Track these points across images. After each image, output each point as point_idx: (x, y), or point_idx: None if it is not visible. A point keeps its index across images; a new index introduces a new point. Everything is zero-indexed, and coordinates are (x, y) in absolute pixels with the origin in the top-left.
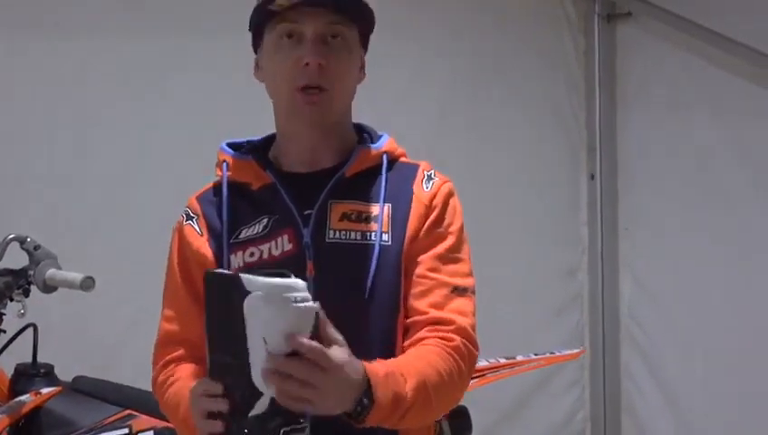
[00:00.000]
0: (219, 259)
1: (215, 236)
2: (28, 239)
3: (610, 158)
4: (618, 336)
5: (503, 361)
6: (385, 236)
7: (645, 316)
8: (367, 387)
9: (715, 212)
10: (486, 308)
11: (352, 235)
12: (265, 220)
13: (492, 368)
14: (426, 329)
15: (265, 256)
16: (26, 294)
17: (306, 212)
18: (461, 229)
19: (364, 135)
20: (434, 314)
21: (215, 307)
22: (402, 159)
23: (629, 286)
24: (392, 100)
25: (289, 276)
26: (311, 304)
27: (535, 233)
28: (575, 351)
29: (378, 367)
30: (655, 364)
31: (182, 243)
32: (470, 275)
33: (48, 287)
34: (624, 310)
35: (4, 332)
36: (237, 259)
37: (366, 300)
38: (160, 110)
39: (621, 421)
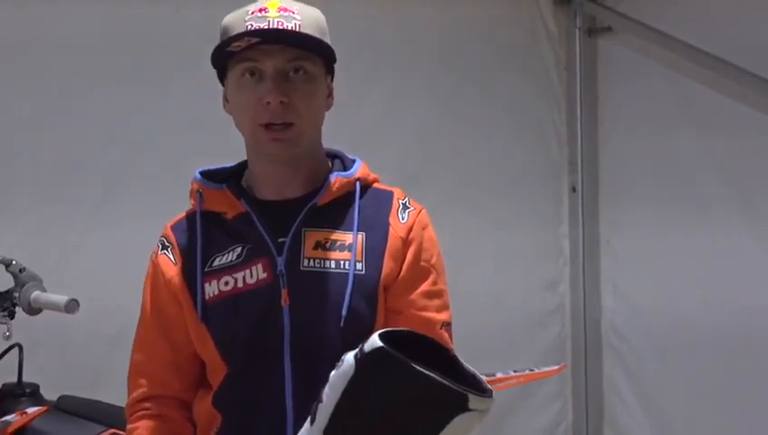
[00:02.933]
0: (192, 289)
1: (188, 265)
2: (13, 262)
3: (592, 171)
4: (600, 348)
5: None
6: (359, 265)
7: (626, 328)
8: None
9: (696, 226)
10: (468, 321)
11: (326, 263)
12: (239, 249)
13: None
14: None
15: (240, 284)
16: (11, 316)
17: (280, 240)
18: (439, 258)
19: (336, 161)
20: None
21: (395, 399)
22: (375, 184)
23: (611, 299)
24: (372, 117)
25: (451, 354)
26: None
27: (517, 246)
28: (555, 367)
29: None
30: (636, 376)
31: (155, 273)
32: (449, 305)
33: (33, 309)
34: (605, 322)
35: None
36: (212, 287)
37: (341, 328)
38: (151, 125)
39: (604, 432)
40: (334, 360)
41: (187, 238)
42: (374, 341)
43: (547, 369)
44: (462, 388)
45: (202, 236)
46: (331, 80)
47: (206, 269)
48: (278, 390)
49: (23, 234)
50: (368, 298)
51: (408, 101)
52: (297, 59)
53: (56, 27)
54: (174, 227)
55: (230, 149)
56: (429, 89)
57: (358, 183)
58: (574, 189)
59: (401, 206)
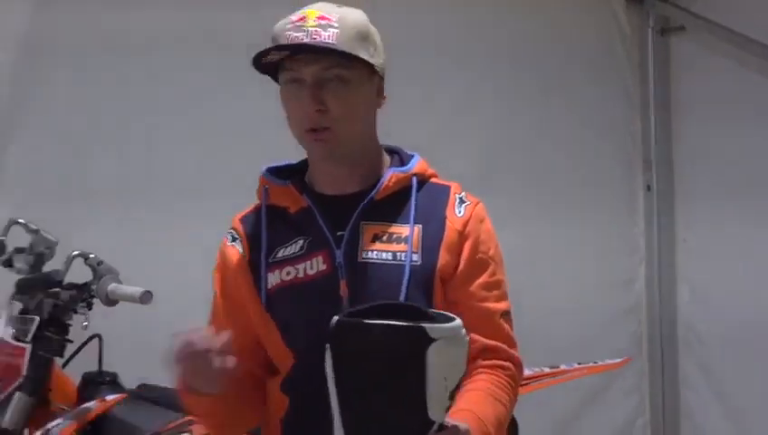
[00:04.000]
0: (258, 278)
1: (254, 255)
2: (91, 255)
3: (666, 169)
4: (675, 345)
5: (546, 370)
6: (415, 257)
7: (702, 325)
8: None
9: None
10: (543, 318)
11: (383, 255)
12: (301, 242)
13: (535, 377)
14: (482, 357)
15: (300, 274)
16: (89, 307)
17: (339, 233)
18: (497, 250)
19: (395, 157)
20: (486, 342)
21: (373, 355)
22: (433, 179)
23: (687, 296)
24: (445, 117)
25: (418, 308)
26: (468, 337)
27: (592, 245)
28: (618, 360)
29: (467, 417)
30: (713, 373)
31: (224, 262)
32: (507, 294)
33: (110, 301)
34: (682, 319)
35: (71, 342)
36: (275, 277)
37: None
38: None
39: (680, 428)
40: None
41: (254, 231)
42: (332, 320)
43: (611, 361)
44: (414, 323)
45: (267, 229)
46: (382, 78)
47: (270, 260)
48: None
49: (106, 229)
50: (424, 289)
51: (480, 102)
52: (333, 67)
53: (141, 28)
54: (242, 220)
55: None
56: (501, 89)
57: (414, 178)
58: (649, 188)
59: (458, 200)
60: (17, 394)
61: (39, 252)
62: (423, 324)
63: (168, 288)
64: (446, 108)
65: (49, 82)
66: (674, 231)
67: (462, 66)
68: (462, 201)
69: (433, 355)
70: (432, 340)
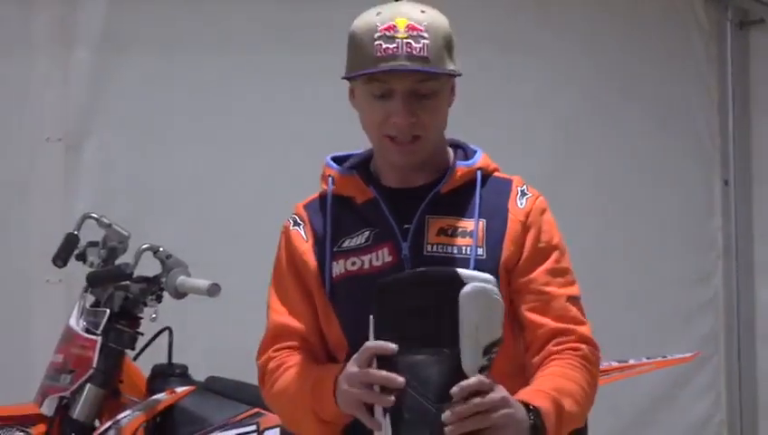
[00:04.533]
0: (322, 266)
1: (319, 243)
2: (161, 249)
3: (744, 164)
4: (754, 341)
5: (615, 364)
6: (480, 251)
7: None
8: (536, 418)
9: None
10: (620, 313)
11: (448, 249)
12: (367, 233)
13: (604, 371)
14: (552, 343)
15: (366, 266)
16: (159, 299)
17: (405, 226)
18: (561, 240)
19: (459, 151)
20: (554, 325)
21: (411, 307)
22: (496, 173)
23: (765, 291)
24: (520, 111)
25: (453, 270)
26: (502, 300)
27: (668, 239)
28: (688, 355)
29: (540, 396)
30: None
31: (289, 245)
32: (576, 282)
33: (179, 293)
34: (760, 314)
35: (142, 334)
36: (339, 266)
37: None
38: (305, 122)
39: (758, 426)
40: None
41: (319, 218)
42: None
43: (680, 356)
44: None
45: (332, 218)
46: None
47: (335, 249)
48: None
49: (178, 225)
50: None
51: (555, 98)
52: (425, 79)
53: (215, 26)
54: (306, 207)
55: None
56: (577, 85)
57: (479, 172)
58: (726, 182)
59: (519, 193)
60: (88, 386)
61: (112, 246)
62: (456, 269)
63: (238, 283)
64: (520, 104)
65: (123, 80)
66: (751, 225)
67: (537, 62)
68: (524, 193)
69: (465, 300)
70: (463, 283)
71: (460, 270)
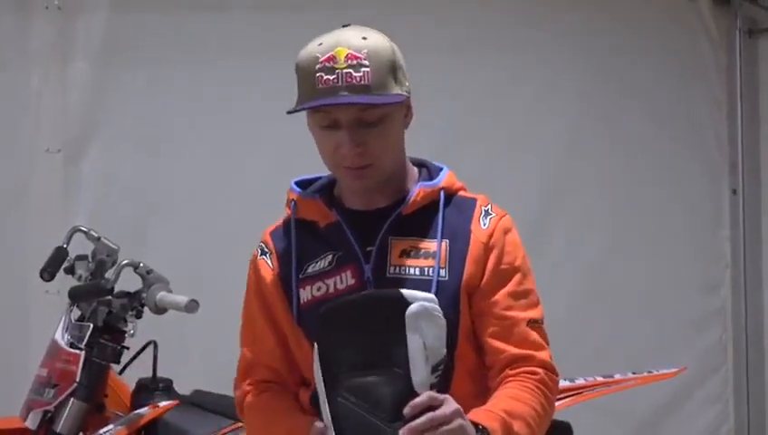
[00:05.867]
0: (289, 293)
1: (285, 270)
2: (141, 264)
3: (753, 173)
4: (762, 351)
5: (599, 379)
6: (442, 272)
7: None
8: None
9: None
10: (627, 323)
11: (411, 270)
12: (330, 256)
13: (589, 386)
14: (509, 368)
15: (331, 290)
16: (139, 315)
17: (368, 249)
18: (524, 260)
19: (423, 170)
20: (514, 351)
21: (358, 328)
22: (461, 193)
23: None
24: (524, 117)
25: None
26: (442, 315)
27: (675, 249)
28: (674, 370)
29: (490, 416)
30: None
31: (257, 275)
32: (539, 303)
33: (158, 309)
34: None
35: (127, 348)
36: (306, 293)
37: None
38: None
39: None
40: None
41: (284, 245)
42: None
43: (666, 371)
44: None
45: (297, 244)
46: (408, 98)
47: (300, 275)
48: None
49: (178, 235)
50: (450, 304)
51: (559, 104)
52: (369, 108)
53: (216, 35)
54: (272, 234)
55: None
56: (582, 91)
57: (442, 192)
58: (735, 191)
59: (483, 212)
60: (72, 400)
61: (100, 259)
62: (399, 290)
63: (237, 294)
64: (521, 109)
65: (122, 90)
66: (760, 235)
67: (541, 67)
68: (487, 213)
69: (411, 319)
70: (408, 303)
71: (404, 291)
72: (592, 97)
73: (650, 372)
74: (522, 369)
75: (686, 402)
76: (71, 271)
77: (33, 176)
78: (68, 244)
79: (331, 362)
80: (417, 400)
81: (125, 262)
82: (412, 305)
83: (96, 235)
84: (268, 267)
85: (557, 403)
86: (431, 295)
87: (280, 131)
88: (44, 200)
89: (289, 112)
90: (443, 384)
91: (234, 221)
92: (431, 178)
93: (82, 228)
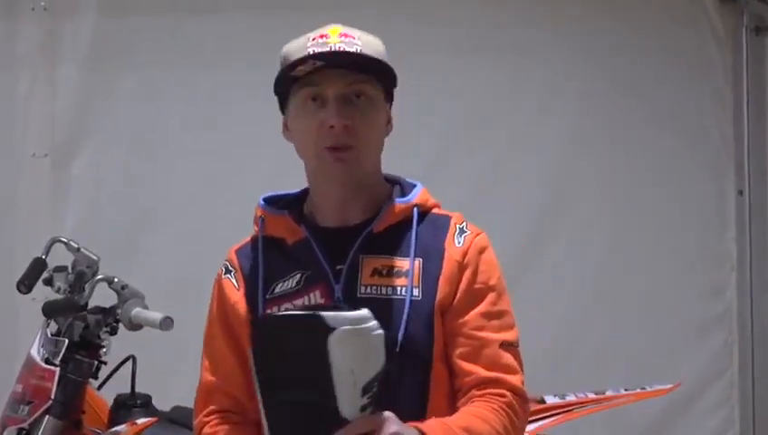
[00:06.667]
0: (254, 314)
1: (250, 290)
2: (115, 280)
3: (759, 174)
4: None
5: (591, 395)
6: (415, 291)
7: None
8: None
9: None
10: (629, 327)
11: (383, 289)
12: (298, 275)
13: (579, 403)
14: (476, 389)
15: None
16: (113, 332)
17: (338, 267)
18: (499, 280)
19: (396, 187)
20: (483, 374)
21: (282, 349)
22: (435, 210)
23: None
24: (528, 117)
25: (343, 308)
26: (381, 331)
27: (680, 251)
28: (668, 386)
29: (434, 426)
30: None
31: (221, 296)
32: (514, 326)
33: (133, 325)
34: None
35: (105, 364)
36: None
37: (398, 353)
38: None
39: None
40: (390, 385)
41: (250, 264)
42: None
43: (659, 387)
44: (312, 312)
45: (264, 263)
46: (390, 107)
47: (267, 296)
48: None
49: (169, 241)
50: (424, 324)
51: (562, 104)
52: (358, 83)
53: (209, 38)
54: (238, 252)
55: None
56: (585, 91)
57: (415, 209)
58: (741, 192)
59: (458, 230)
60: (47, 417)
61: (80, 271)
62: (321, 313)
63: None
64: (525, 108)
65: (111, 94)
66: (766, 237)
67: (542, 68)
68: (462, 231)
69: (335, 345)
70: (331, 329)
71: (325, 314)
72: (594, 97)
73: (643, 388)
74: (488, 391)
75: (691, 407)
76: (49, 282)
77: (20, 181)
78: (47, 255)
79: (262, 374)
80: (348, 429)
81: (99, 277)
82: (337, 331)
83: (76, 245)
84: (233, 287)
85: (546, 420)
86: (361, 313)
87: (275, 136)
88: (32, 206)
89: (278, 84)
90: (418, 410)
91: (226, 229)
92: (404, 195)
93: (62, 239)
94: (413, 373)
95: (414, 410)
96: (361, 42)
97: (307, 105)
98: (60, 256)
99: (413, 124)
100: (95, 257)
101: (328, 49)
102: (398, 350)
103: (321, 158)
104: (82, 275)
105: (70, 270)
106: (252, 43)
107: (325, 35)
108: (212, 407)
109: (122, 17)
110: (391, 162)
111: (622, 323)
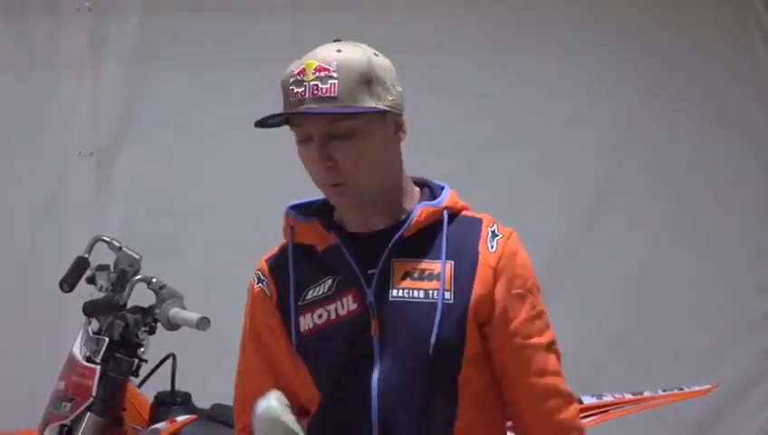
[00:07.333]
0: (287, 322)
1: (283, 298)
2: (154, 280)
3: None
4: None
5: (628, 396)
6: (447, 295)
7: None
8: None
9: None
10: (674, 326)
11: (415, 293)
12: (330, 281)
13: (616, 403)
14: (535, 406)
15: (333, 316)
16: (152, 331)
17: (370, 272)
18: (534, 280)
19: (425, 190)
20: (540, 387)
21: None
22: (464, 212)
23: None
24: (573, 114)
25: None
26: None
27: (725, 249)
28: (706, 387)
29: None
30: None
31: (253, 306)
32: (549, 322)
33: (171, 325)
34: None
35: (146, 362)
36: (306, 321)
37: (429, 357)
38: None
39: None
40: (422, 389)
41: (281, 272)
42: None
43: (698, 388)
44: None
45: (294, 270)
46: (398, 114)
47: (300, 302)
48: (365, 418)
49: (210, 241)
50: (457, 327)
51: (608, 103)
52: (338, 120)
53: (250, 38)
54: (269, 261)
55: None
56: (631, 90)
57: (445, 211)
58: None
59: (490, 234)
60: (88, 414)
61: (122, 269)
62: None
63: None
64: (569, 106)
65: (155, 93)
66: None
67: (586, 65)
68: (494, 235)
69: None
70: None
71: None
72: (638, 96)
73: (681, 388)
74: (549, 414)
75: (734, 409)
76: (92, 281)
77: (65, 180)
78: (89, 253)
79: None
80: None
81: (138, 278)
82: None
83: (118, 244)
84: (265, 295)
85: (583, 421)
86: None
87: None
88: (77, 204)
89: (257, 125)
90: (449, 413)
91: (268, 227)
92: (433, 198)
93: (104, 238)
94: (443, 376)
95: (444, 414)
96: (338, 72)
97: (301, 146)
98: (105, 255)
99: (454, 122)
100: (137, 256)
101: (303, 90)
102: (430, 353)
103: (325, 191)
104: (124, 274)
105: (112, 269)
106: (296, 42)
107: (302, 71)
108: (244, 422)
109: (166, 17)
110: (430, 161)
111: (667, 322)
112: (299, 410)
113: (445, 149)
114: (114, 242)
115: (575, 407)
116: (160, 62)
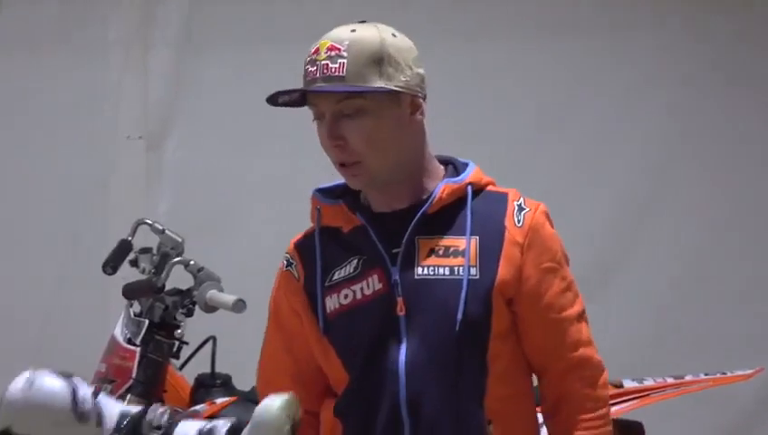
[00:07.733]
0: (314, 303)
1: (310, 280)
2: (191, 262)
3: None
4: None
5: (670, 380)
6: (473, 270)
7: None
8: None
9: None
10: (719, 315)
11: (440, 270)
12: (355, 261)
13: (658, 387)
14: (569, 378)
15: (358, 296)
16: (190, 313)
17: (394, 251)
18: (561, 250)
19: (449, 167)
20: (572, 358)
21: None
22: (490, 187)
23: None
24: (618, 106)
25: None
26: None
27: None
28: (749, 371)
29: None
30: None
31: (280, 288)
32: (578, 292)
33: (208, 308)
34: None
35: (187, 344)
36: (333, 301)
37: (456, 334)
38: None
39: None
40: (451, 366)
41: (309, 254)
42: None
43: (740, 372)
44: None
45: (321, 252)
46: (416, 94)
47: (326, 284)
48: (394, 397)
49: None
50: (483, 303)
51: (663, 92)
52: (346, 98)
53: (298, 21)
54: (297, 243)
55: None
56: (689, 75)
57: (469, 187)
58: None
59: (516, 208)
60: (129, 396)
61: (164, 252)
62: None
63: None
64: (615, 98)
65: (203, 78)
66: None
67: (641, 50)
68: (521, 208)
69: None
70: None
71: None
72: (699, 84)
73: (724, 373)
74: (583, 382)
75: None
76: (135, 264)
77: (114, 163)
78: (133, 236)
79: None
80: None
81: (175, 260)
82: None
83: (160, 227)
84: (293, 278)
85: (623, 405)
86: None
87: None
88: (126, 187)
89: (268, 101)
90: (478, 389)
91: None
92: (457, 174)
93: (147, 221)
94: (471, 352)
95: (473, 390)
96: (348, 52)
97: (316, 124)
98: (150, 238)
99: (501, 110)
100: (179, 239)
101: (315, 69)
102: (456, 330)
103: (340, 172)
104: (167, 257)
105: (155, 251)
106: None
107: (316, 50)
108: None
109: (213, 2)
110: (474, 149)
111: (712, 312)
112: (322, 393)
113: (488, 138)
114: (157, 225)
115: (606, 375)
116: (208, 47)
